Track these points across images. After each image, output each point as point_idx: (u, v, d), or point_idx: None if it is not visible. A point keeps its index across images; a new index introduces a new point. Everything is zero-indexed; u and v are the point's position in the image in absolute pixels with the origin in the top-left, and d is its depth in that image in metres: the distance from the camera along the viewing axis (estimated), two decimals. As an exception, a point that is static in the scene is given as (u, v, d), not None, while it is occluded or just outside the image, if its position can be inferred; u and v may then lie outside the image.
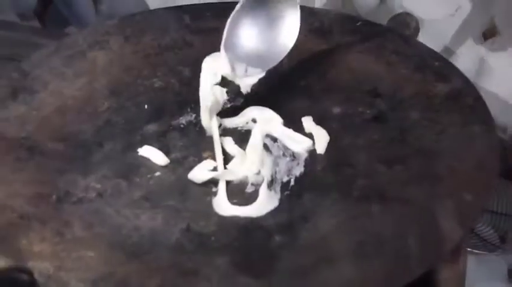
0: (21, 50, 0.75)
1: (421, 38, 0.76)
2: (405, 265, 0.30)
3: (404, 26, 0.76)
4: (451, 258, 0.39)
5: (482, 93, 0.71)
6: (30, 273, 0.25)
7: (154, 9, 0.59)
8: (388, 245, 0.32)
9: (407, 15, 0.75)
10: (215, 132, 0.43)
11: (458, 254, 0.39)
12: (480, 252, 0.71)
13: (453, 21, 0.74)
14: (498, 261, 0.71)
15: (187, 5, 0.59)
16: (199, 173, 0.40)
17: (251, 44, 0.45)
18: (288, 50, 0.44)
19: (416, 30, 0.76)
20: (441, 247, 0.31)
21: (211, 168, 0.41)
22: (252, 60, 0.44)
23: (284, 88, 0.48)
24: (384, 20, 0.77)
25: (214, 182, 0.39)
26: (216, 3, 0.59)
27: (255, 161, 0.40)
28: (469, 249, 0.71)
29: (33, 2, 0.96)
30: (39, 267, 0.31)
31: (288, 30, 0.45)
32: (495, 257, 0.71)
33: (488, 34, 0.72)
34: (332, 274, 0.31)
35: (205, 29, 0.55)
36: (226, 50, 0.44)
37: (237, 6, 0.44)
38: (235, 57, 0.44)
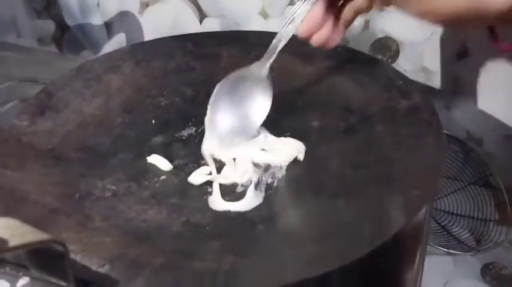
0: (41, 73, 0.83)
1: (402, 58, 0.84)
2: (358, 244, 0.37)
3: (386, 49, 0.84)
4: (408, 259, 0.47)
5: (458, 108, 0.78)
6: (64, 245, 0.33)
7: (162, 38, 0.67)
8: (347, 230, 0.39)
9: (388, 38, 0.84)
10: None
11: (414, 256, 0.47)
12: (457, 252, 0.78)
13: (430, 44, 0.81)
14: (473, 261, 0.78)
15: (191, 33, 0.67)
16: (198, 176, 0.48)
17: (228, 122, 0.50)
18: (258, 126, 0.50)
19: (397, 52, 0.84)
20: (389, 229, 0.38)
21: (208, 172, 0.48)
22: (230, 135, 0.50)
23: (273, 105, 0.55)
24: (367, 44, 0.85)
25: (209, 184, 0.47)
26: (215, 32, 0.67)
27: (244, 172, 0.47)
28: (446, 250, 0.78)
29: (52, 28, 1.04)
30: (68, 249, 0.39)
31: (258, 108, 0.50)
32: (470, 257, 0.78)
33: (461, 55, 0.80)
34: (301, 252, 0.38)
35: (206, 55, 0.63)
36: (209, 130, 0.50)
37: (216, 88, 0.50)
38: (218, 135, 0.50)
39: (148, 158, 0.50)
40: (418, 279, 0.53)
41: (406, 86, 0.54)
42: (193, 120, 0.54)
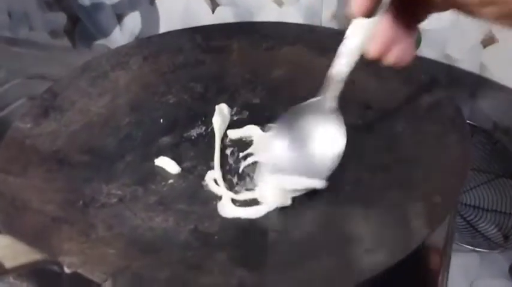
0: (52, 69, 0.82)
1: (424, 46, 0.79)
2: (376, 258, 0.35)
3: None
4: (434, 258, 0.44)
5: (484, 98, 0.74)
6: (60, 266, 0.31)
7: (170, 31, 0.64)
8: (366, 241, 0.37)
9: (409, 26, 0.79)
10: (217, 144, 0.48)
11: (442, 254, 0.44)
12: (483, 250, 0.74)
13: (453, 31, 0.77)
14: (500, 259, 0.74)
15: (199, 26, 0.65)
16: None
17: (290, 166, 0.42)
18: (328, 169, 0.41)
19: (419, 39, 0.80)
20: (410, 242, 0.35)
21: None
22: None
23: (285, 100, 0.53)
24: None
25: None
26: (225, 24, 0.64)
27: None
28: (472, 247, 0.75)
29: (63, 21, 1.02)
30: (68, 261, 0.37)
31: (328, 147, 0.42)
32: (498, 255, 0.74)
33: (487, 42, 0.76)
34: (315, 266, 0.35)
35: (216, 48, 0.61)
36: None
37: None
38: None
39: (156, 160, 0.48)
40: (444, 281, 0.50)
41: (428, 80, 0.51)
42: (203, 119, 0.52)
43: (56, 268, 0.30)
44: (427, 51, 0.80)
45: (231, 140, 0.50)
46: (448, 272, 0.48)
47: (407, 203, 0.39)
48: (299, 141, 0.43)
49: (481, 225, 0.79)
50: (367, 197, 0.41)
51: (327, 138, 0.42)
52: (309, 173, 0.41)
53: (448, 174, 0.41)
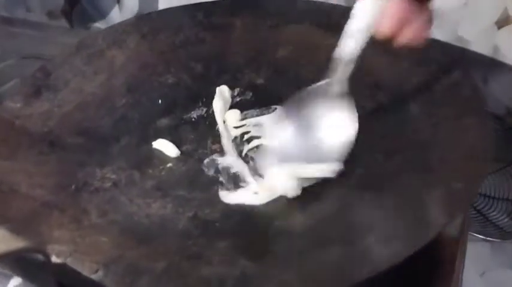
0: (48, 49, 0.79)
1: (435, 27, 0.76)
2: (391, 249, 0.32)
3: (418, 17, 0.77)
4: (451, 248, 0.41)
5: (498, 82, 0.71)
6: (45, 254, 0.28)
7: (169, 8, 0.61)
8: (377, 231, 0.34)
9: (420, 5, 0.76)
10: (221, 125, 0.46)
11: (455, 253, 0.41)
12: (494, 239, 0.72)
13: (467, 11, 0.74)
14: (512, 249, 0.71)
15: (200, 2, 0.61)
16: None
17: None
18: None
19: (431, 20, 0.77)
20: (427, 233, 0.32)
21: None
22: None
23: (290, 81, 0.50)
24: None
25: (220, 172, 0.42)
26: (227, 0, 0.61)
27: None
28: (483, 237, 0.72)
29: (61, 1, 0.99)
30: (57, 250, 0.34)
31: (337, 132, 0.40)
32: (509, 245, 0.71)
33: (502, 23, 0.72)
34: (322, 257, 0.33)
35: (218, 26, 0.57)
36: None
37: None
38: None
39: (153, 143, 0.45)
40: (460, 272, 0.47)
41: (445, 59, 0.48)
42: (204, 100, 0.49)
43: (40, 257, 0.27)
44: (438, 32, 0.76)
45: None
46: (464, 263, 0.46)
47: (424, 189, 0.36)
48: (308, 127, 0.40)
49: (492, 214, 0.76)
50: (380, 182, 0.38)
51: (337, 125, 0.40)
52: (319, 161, 0.39)
53: (468, 158, 0.38)
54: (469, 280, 0.67)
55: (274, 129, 0.42)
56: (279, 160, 0.40)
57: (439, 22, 0.75)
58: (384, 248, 0.32)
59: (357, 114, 0.39)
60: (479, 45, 0.74)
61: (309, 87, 0.40)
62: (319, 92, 0.40)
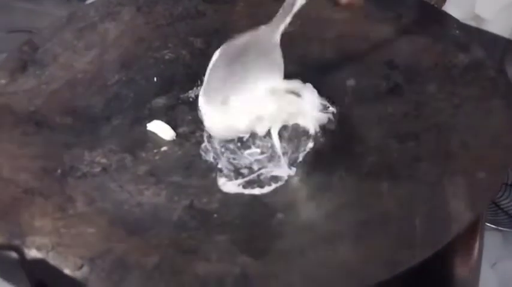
0: (41, 22, 0.75)
1: (450, 4, 0.72)
2: (408, 249, 0.28)
3: (432, -7, 0.73)
4: (467, 239, 0.38)
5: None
6: (19, 251, 0.25)
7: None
8: (392, 226, 0.31)
9: (434, -19, 0.72)
10: None
11: (475, 234, 0.38)
12: (506, 229, 0.69)
13: (484, -13, 0.70)
14: (525, 238, 0.69)
15: (201, -28, 0.57)
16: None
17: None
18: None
19: (444, -4, 0.73)
20: (448, 229, 0.29)
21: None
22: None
23: (295, 56, 0.46)
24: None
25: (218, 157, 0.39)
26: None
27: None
28: (494, 226, 0.69)
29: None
30: (38, 242, 0.31)
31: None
32: (522, 234, 0.69)
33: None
34: (330, 254, 0.29)
35: (219, -3, 0.54)
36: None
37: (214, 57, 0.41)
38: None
39: (148, 124, 0.42)
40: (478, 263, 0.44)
41: (464, 37, 0.44)
42: (203, 78, 0.45)
43: (12, 254, 0.24)
44: (455, 11, 0.72)
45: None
46: (481, 253, 0.42)
47: (444, 179, 0.33)
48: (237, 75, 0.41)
49: (503, 202, 0.73)
50: (395, 169, 0.35)
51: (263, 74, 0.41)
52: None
53: (492, 144, 0.34)
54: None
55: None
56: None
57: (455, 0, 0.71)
58: (400, 247, 0.29)
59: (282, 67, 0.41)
60: (496, 24, 0.70)
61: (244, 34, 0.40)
62: (253, 40, 0.40)
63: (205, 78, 0.40)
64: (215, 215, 0.34)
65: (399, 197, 0.33)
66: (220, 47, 0.40)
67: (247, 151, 0.39)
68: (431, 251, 0.28)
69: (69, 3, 0.94)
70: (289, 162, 0.38)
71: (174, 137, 0.41)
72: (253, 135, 0.40)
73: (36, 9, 0.92)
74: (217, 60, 0.40)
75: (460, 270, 0.39)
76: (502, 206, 0.72)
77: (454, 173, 0.33)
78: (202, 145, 0.40)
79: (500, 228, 0.68)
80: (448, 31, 0.45)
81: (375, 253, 0.29)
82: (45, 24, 0.71)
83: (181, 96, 0.45)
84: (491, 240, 0.68)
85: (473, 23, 0.71)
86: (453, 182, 0.32)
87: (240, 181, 0.37)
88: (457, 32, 0.45)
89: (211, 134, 0.40)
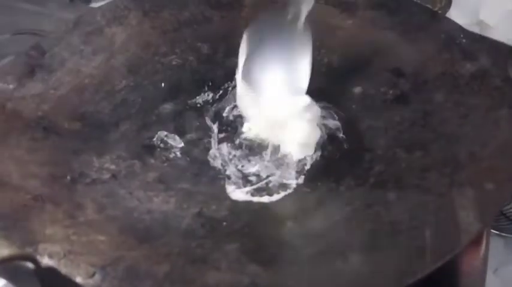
0: (46, 25, 0.75)
1: (454, 10, 0.72)
2: (418, 259, 0.29)
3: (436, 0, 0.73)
4: (472, 247, 0.38)
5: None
6: (35, 261, 0.25)
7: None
8: (401, 236, 0.31)
9: (438, -13, 0.72)
10: None
11: (480, 243, 0.38)
12: (509, 235, 0.69)
13: (488, -7, 0.70)
14: (527, 244, 0.68)
15: (208, -22, 0.57)
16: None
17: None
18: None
19: (448, 2, 0.73)
20: (457, 240, 0.29)
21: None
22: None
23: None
24: (414, -8, 0.74)
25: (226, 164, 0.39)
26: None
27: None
28: (496, 232, 0.69)
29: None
30: (49, 250, 0.31)
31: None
32: (524, 240, 0.69)
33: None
34: (341, 265, 0.30)
35: (225, 3, 0.54)
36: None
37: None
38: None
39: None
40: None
41: (470, 45, 0.44)
42: (210, 84, 0.46)
43: (29, 264, 0.24)
44: (458, 16, 0.72)
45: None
46: (487, 261, 0.42)
47: (451, 189, 0.33)
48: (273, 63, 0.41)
49: (505, 208, 0.73)
50: (403, 179, 0.35)
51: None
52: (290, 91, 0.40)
53: (500, 155, 0.34)
54: (482, 276, 0.65)
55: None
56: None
57: (458, 5, 0.71)
58: (410, 258, 0.29)
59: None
60: (501, 30, 0.70)
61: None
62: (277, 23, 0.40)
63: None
64: (224, 223, 0.34)
65: (407, 208, 0.33)
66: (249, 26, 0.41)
67: (255, 158, 0.40)
68: (441, 261, 0.28)
69: (73, 6, 0.94)
70: (297, 170, 0.38)
71: (182, 144, 0.41)
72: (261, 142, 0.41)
73: (39, 11, 0.92)
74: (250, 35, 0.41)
75: (465, 278, 0.40)
76: (504, 212, 0.72)
77: (462, 184, 0.33)
78: (210, 152, 0.40)
79: (502, 234, 0.68)
80: (454, 39, 0.45)
81: (385, 263, 0.29)
82: (49, 26, 0.71)
83: (189, 102, 0.45)
84: (493, 246, 0.68)
85: (477, 29, 0.71)
86: (461, 192, 0.32)
87: (249, 188, 0.37)
88: (464, 40, 0.45)
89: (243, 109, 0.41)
